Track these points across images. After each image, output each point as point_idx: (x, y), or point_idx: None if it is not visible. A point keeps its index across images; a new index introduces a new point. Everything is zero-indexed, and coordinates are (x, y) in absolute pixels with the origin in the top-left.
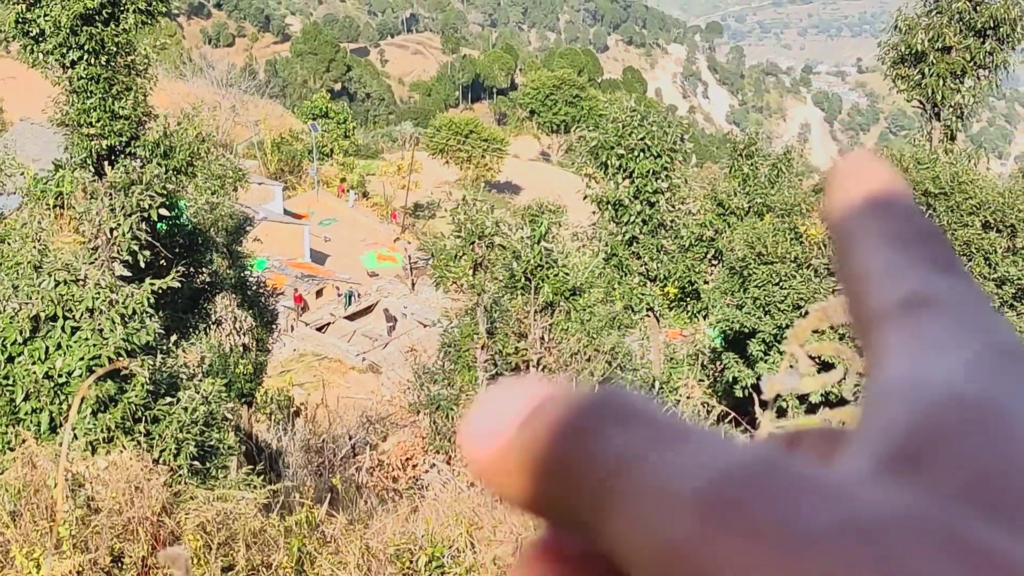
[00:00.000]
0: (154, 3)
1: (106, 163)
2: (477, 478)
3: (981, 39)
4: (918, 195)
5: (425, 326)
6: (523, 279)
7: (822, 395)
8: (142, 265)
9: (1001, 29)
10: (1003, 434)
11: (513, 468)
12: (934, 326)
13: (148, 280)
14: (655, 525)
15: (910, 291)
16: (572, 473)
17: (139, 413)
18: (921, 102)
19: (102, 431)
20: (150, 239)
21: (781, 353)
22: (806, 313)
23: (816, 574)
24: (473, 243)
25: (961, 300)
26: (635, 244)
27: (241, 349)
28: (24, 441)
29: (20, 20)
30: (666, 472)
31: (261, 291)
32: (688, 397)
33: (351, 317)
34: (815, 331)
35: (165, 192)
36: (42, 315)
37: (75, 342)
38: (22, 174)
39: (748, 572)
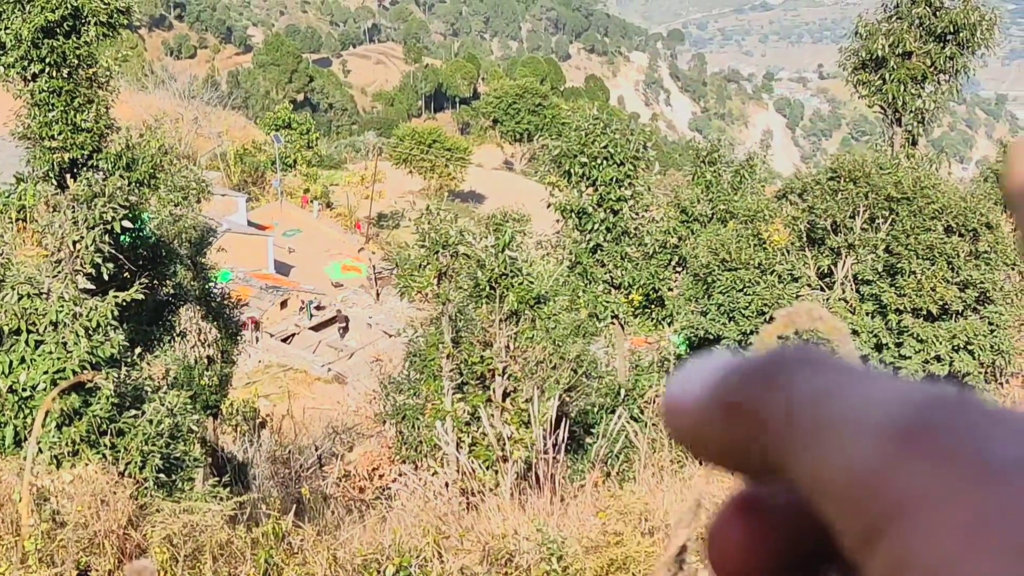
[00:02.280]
0: (115, 15)
1: (68, 176)
2: (680, 437)
3: (941, 44)
4: (880, 200)
5: (390, 336)
6: (488, 288)
7: None
8: (106, 278)
9: (961, 34)
10: None
11: (715, 419)
12: None
13: (112, 293)
14: (851, 453)
15: None
16: (770, 413)
17: (104, 426)
18: (882, 107)
19: (67, 444)
20: (113, 252)
21: None
22: (772, 319)
23: (1005, 503)
24: (437, 252)
25: None
26: (599, 252)
27: (206, 361)
28: None
29: None
30: (860, 403)
31: (225, 303)
32: (658, 404)
33: (316, 328)
34: (781, 337)
35: (128, 204)
36: (5, 329)
37: (39, 356)
38: None
39: (939, 497)
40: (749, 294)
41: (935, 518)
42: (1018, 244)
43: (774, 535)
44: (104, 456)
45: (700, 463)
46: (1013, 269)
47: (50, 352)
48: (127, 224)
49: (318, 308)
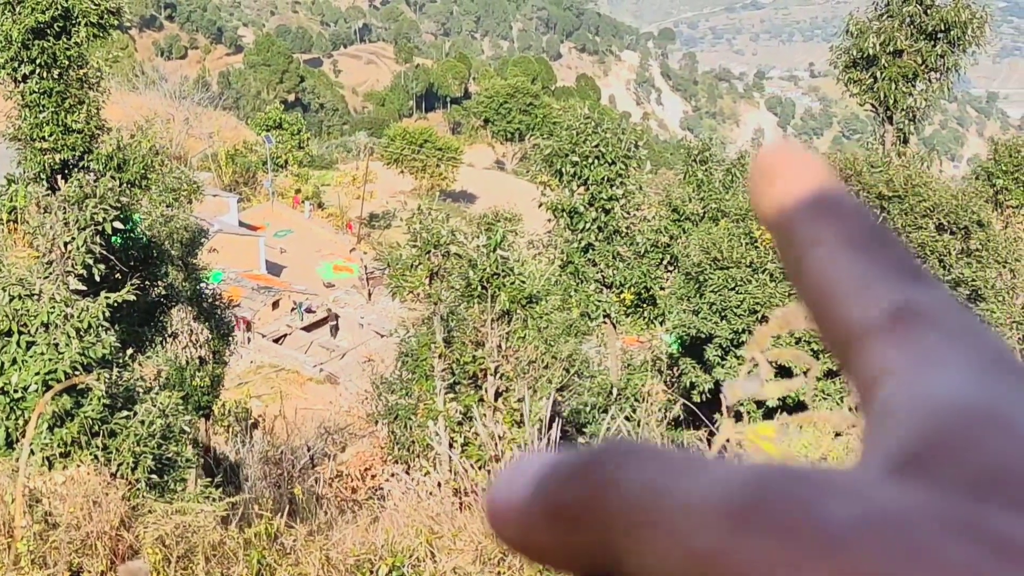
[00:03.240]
0: (106, 16)
1: (59, 177)
2: (505, 542)
3: (932, 42)
4: (872, 198)
5: (382, 336)
6: (479, 288)
7: (780, 400)
8: (97, 279)
9: (952, 32)
10: (1006, 434)
11: (540, 523)
12: (927, 340)
13: (103, 294)
14: (689, 540)
15: (892, 304)
16: (599, 511)
17: (96, 427)
18: (874, 106)
19: (59, 446)
20: (105, 253)
21: (738, 358)
22: (764, 318)
23: (847, 566)
24: (429, 252)
25: (944, 310)
26: (591, 251)
27: (198, 362)
28: None
29: None
30: (690, 491)
31: (217, 303)
32: (651, 402)
33: (308, 328)
34: (775, 337)
35: (119, 205)
36: None
37: (30, 357)
38: None
39: (783, 569)
40: (741, 293)
41: None
42: (785, 274)
43: None
44: (96, 457)
45: (533, 566)
46: (1004, 267)
47: (41, 353)
48: (118, 225)
49: (308, 311)
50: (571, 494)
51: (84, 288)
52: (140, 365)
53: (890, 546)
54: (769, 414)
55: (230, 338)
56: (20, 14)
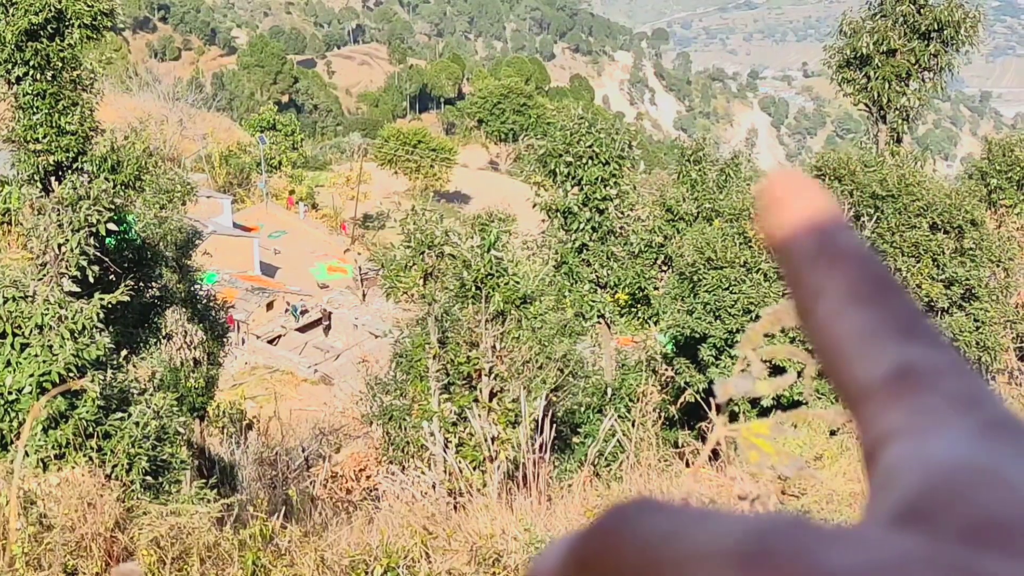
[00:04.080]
0: (99, 18)
1: (53, 179)
2: None
3: (926, 42)
4: (866, 198)
5: (376, 337)
6: (474, 288)
7: (773, 398)
8: (91, 280)
9: (945, 31)
10: (998, 488)
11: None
12: (926, 403)
13: (97, 295)
14: None
15: (894, 365)
16: (616, 559)
17: (90, 429)
18: (867, 105)
19: (53, 447)
20: (99, 254)
21: (732, 357)
22: (758, 318)
23: None
24: (423, 253)
25: (945, 371)
26: (585, 251)
27: (192, 363)
28: None
29: None
30: (698, 539)
31: (211, 305)
32: (646, 402)
33: (302, 329)
34: (767, 335)
35: (113, 207)
36: None
37: (25, 359)
38: None
39: None
40: (735, 292)
41: None
42: (791, 302)
43: None
44: (91, 459)
45: None
46: (998, 266)
47: (35, 355)
48: (112, 227)
49: (303, 312)
50: (592, 549)
51: (78, 290)
52: (134, 367)
53: None
54: (764, 412)
55: (224, 339)
56: (13, 16)
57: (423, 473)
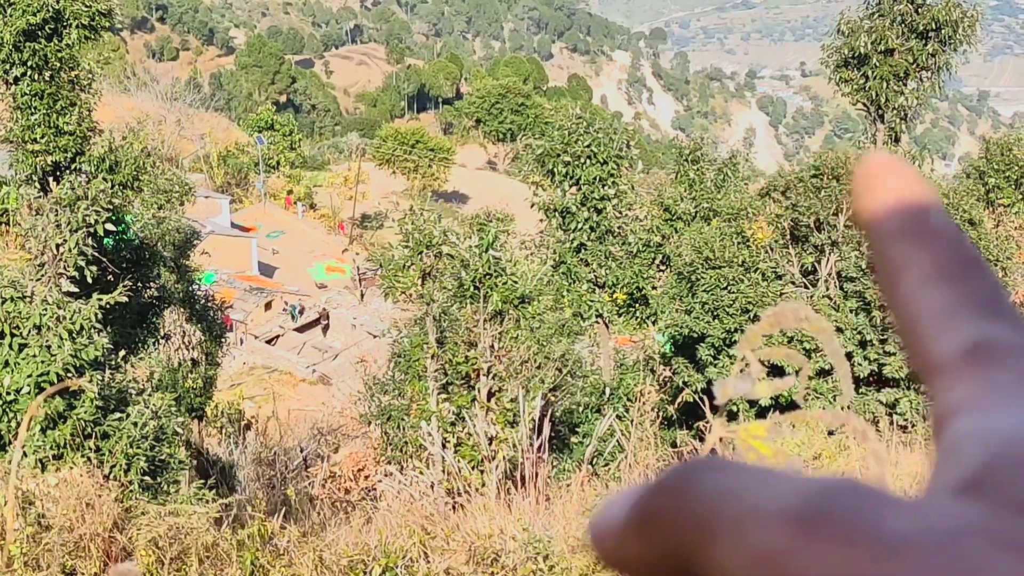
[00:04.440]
0: (97, 18)
1: (51, 179)
2: (607, 561)
3: (923, 41)
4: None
5: (375, 337)
6: (472, 288)
7: (772, 399)
8: (89, 281)
9: (943, 31)
10: None
11: (633, 536)
12: (997, 380)
13: (96, 295)
14: (754, 541)
15: (970, 340)
16: (679, 517)
17: (88, 429)
18: (865, 105)
19: (51, 448)
20: (97, 254)
21: (730, 357)
22: (756, 318)
23: (899, 573)
24: (421, 253)
25: (1017, 349)
26: (583, 251)
27: (190, 363)
28: None
29: None
30: (759, 496)
31: (209, 305)
32: (644, 402)
33: (300, 329)
34: (766, 336)
35: (111, 207)
36: None
37: (23, 359)
38: None
39: (840, 573)
40: (733, 292)
41: None
42: (878, 293)
43: None
44: (89, 459)
45: None
46: (996, 265)
47: (34, 355)
48: (110, 227)
49: (300, 312)
50: (655, 505)
51: (76, 290)
52: (133, 367)
53: (940, 557)
54: (762, 413)
55: (222, 339)
56: (11, 16)
57: (421, 473)
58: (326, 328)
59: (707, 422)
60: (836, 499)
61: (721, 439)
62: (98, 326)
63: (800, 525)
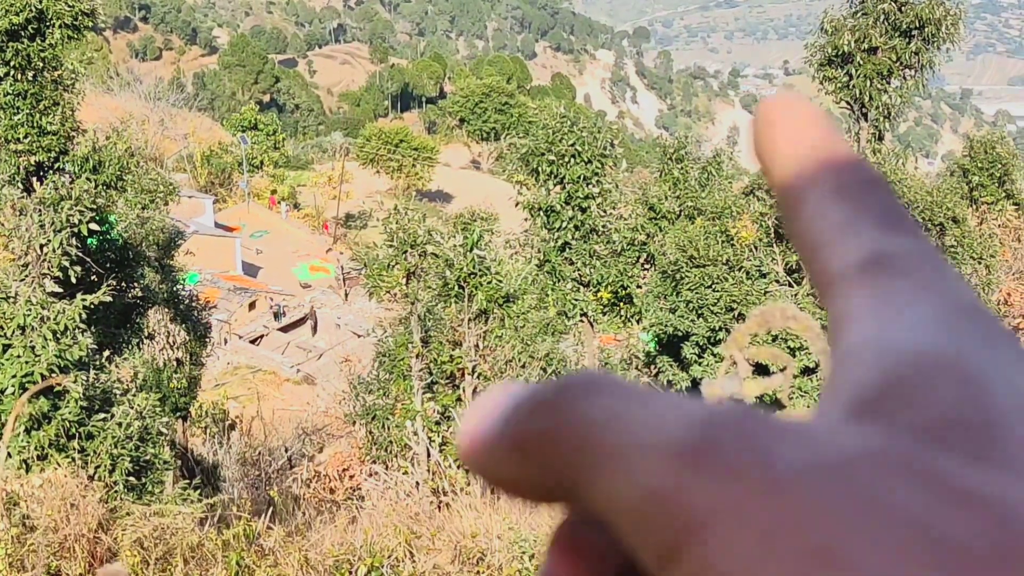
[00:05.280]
0: (80, 18)
1: (35, 179)
2: (475, 472)
3: (907, 39)
4: None
5: (359, 336)
6: (456, 287)
7: (757, 398)
8: (73, 281)
9: (927, 29)
10: (962, 382)
11: (506, 453)
12: (894, 288)
13: (80, 296)
14: (638, 475)
15: (868, 252)
16: (554, 442)
17: (73, 430)
18: (848, 103)
19: (36, 448)
20: (81, 255)
21: (715, 355)
22: (741, 316)
23: (791, 508)
24: (405, 252)
25: (918, 259)
26: (568, 250)
27: (175, 363)
28: None
29: None
30: (643, 426)
31: (193, 305)
32: None
33: (285, 329)
34: (753, 336)
35: (95, 207)
36: None
37: (7, 360)
38: None
39: (731, 510)
40: (717, 290)
41: (728, 531)
42: (781, 220)
43: (599, 567)
44: (73, 460)
45: (504, 497)
46: (980, 263)
47: (18, 356)
48: (94, 227)
49: (281, 314)
50: (534, 426)
51: (60, 290)
52: (117, 367)
53: (835, 490)
54: None
55: (207, 339)
56: None
57: (406, 472)
58: (315, 327)
59: None
60: (724, 428)
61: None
62: (82, 326)
63: (686, 458)
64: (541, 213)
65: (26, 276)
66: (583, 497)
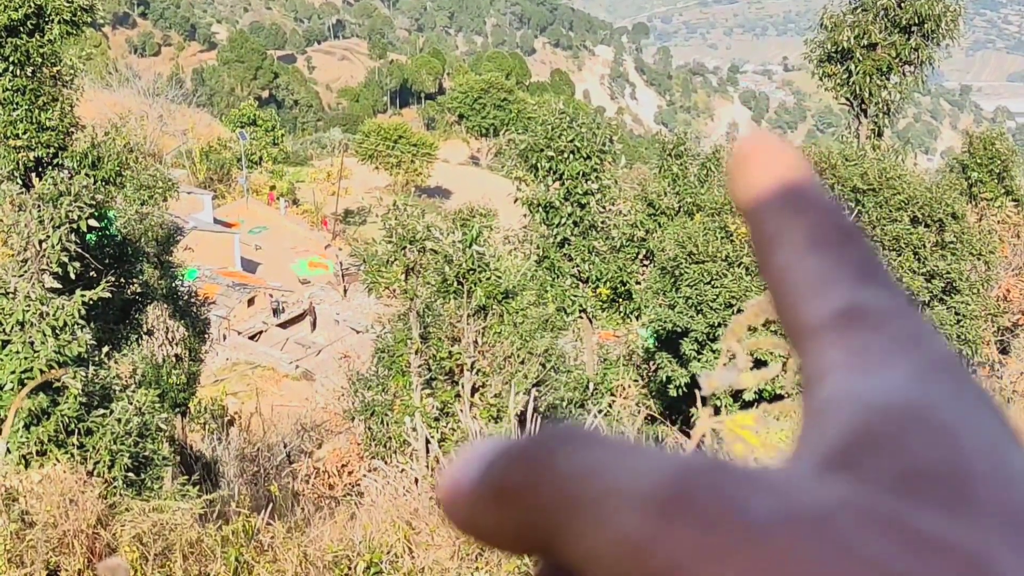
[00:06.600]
0: (79, 14)
1: (34, 175)
2: (454, 524)
3: (906, 35)
4: (847, 191)
5: (358, 332)
6: (455, 283)
7: (756, 391)
8: (72, 277)
9: (926, 25)
10: (933, 434)
11: (486, 505)
12: (869, 341)
13: (79, 292)
14: (614, 525)
15: (843, 304)
16: (532, 493)
17: (72, 425)
18: (848, 99)
19: (35, 444)
20: (80, 250)
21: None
22: (740, 311)
23: (764, 558)
24: (404, 248)
25: (893, 312)
26: (567, 246)
27: (174, 359)
28: None
29: None
30: (619, 477)
31: (192, 301)
32: (624, 397)
33: (284, 325)
34: (751, 327)
35: (94, 203)
36: None
37: (6, 355)
38: None
39: (705, 560)
40: (717, 287)
41: None
42: (756, 265)
43: None
44: (72, 455)
45: (483, 548)
46: (979, 259)
47: (17, 352)
48: (93, 223)
49: (280, 311)
50: (512, 477)
51: (59, 286)
52: (116, 363)
53: (807, 539)
54: (746, 405)
55: (206, 335)
56: None
57: (403, 469)
58: (314, 323)
59: (692, 416)
60: (697, 479)
61: (709, 431)
62: (81, 322)
63: (659, 508)
64: (540, 209)
65: (25, 272)
66: (559, 547)
